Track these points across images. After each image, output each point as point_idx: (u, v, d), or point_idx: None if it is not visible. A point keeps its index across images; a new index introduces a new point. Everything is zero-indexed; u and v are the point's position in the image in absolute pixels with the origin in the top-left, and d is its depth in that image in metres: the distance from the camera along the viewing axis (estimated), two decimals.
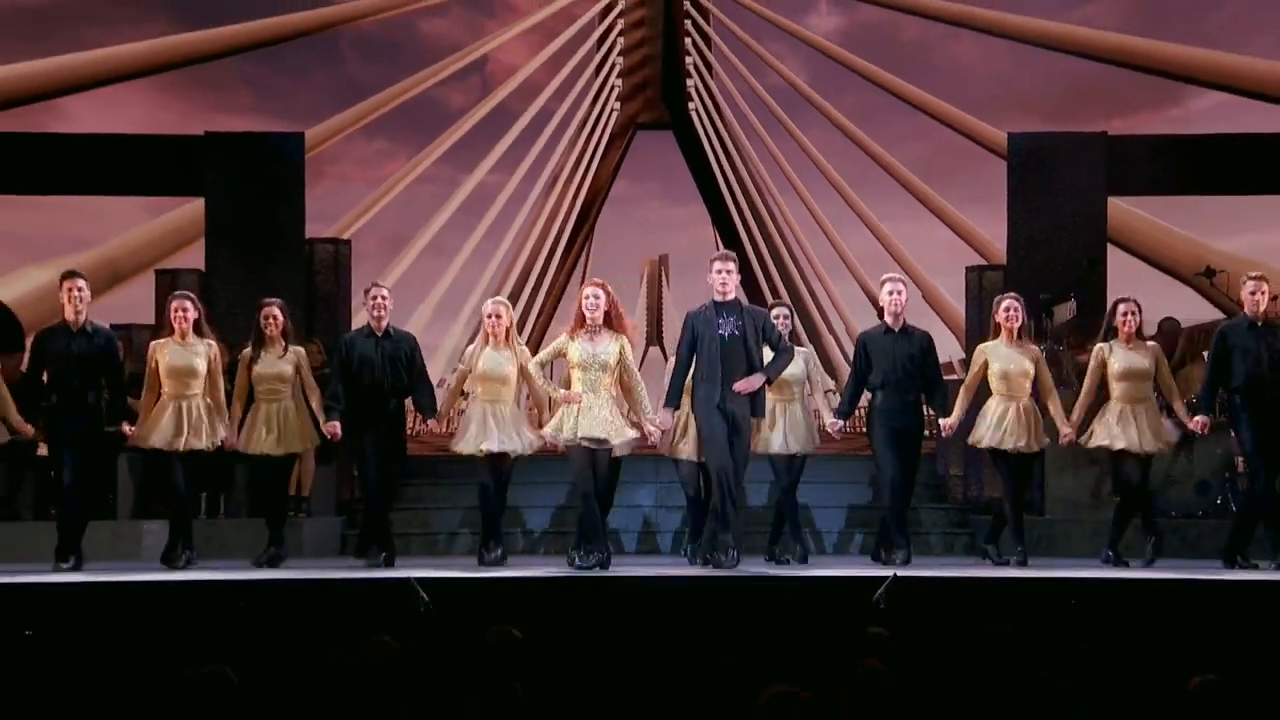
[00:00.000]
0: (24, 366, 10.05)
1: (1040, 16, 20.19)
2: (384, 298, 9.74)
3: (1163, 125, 16.77)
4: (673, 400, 9.06)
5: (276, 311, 9.62)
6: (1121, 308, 9.51)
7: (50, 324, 9.54)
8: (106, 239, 17.95)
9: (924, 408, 9.79)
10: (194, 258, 14.14)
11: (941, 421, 9.56)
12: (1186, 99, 17.56)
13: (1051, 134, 13.73)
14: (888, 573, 8.05)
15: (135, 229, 18.33)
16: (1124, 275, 14.33)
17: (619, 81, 27.08)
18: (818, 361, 10.49)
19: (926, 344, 9.59)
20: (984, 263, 16.44)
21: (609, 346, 8.94)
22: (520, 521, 11.61)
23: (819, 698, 4.55)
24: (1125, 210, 16.25)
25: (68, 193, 14.98)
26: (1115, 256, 14.16)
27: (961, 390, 9.74)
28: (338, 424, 9.47)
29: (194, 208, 14.40)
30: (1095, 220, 12.98)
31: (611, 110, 26.92)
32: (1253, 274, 9.53)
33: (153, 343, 9.62)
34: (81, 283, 9.30)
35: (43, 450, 11.42)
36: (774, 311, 9.60)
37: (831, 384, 10.70)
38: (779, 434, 9.67)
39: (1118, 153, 13.26)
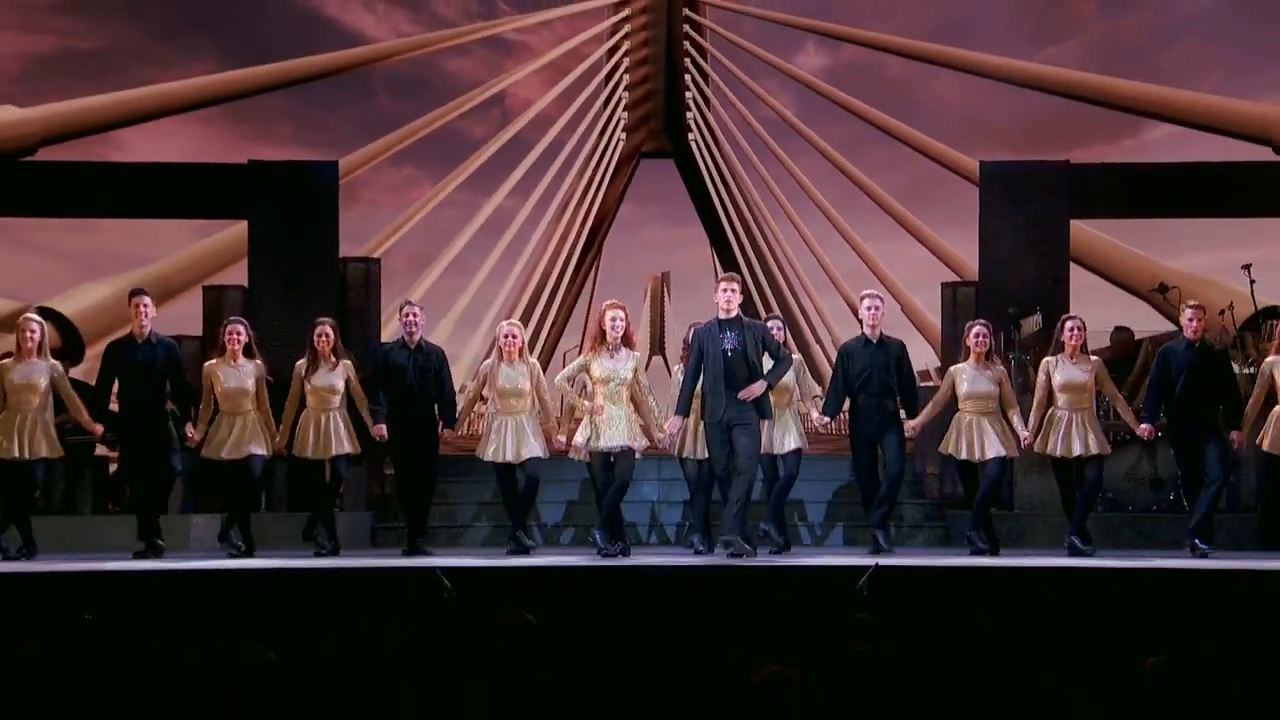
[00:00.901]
0: (81, 373, 10.17)
1: (1009, 57, 20.22)
2: (416, 315, 9.99)
3: (1119, 154, 16.79)
4: (682, 409, 9.20)
5: (329, 330, 9.77)
6: (1069, 325, 9.63)
7: (119, 336, 9.75)
8: (158, 258, 17.97)
9: (899, 410, 9.87)
10: (238, 275, 14.14)
11: (908, 423, 9.76)
12: (1141, 131, 17.57)
13: (1019, 162, 13.73)
14: (870, 562, 8.08)
15: (184, 249, 18.35)
16: (1085, 291, 14.36)
17: (625, 114, 27.11)
18: (806, 369, 10.62)
19: (900, 353, 9.82)
20: (958, 279, 16.42)
21: (627, 363, 9.26)
22: (537, 516, 11.64)
23: (808, 677, 4.56)
24: (1086, 232, 16.26)
25: (123, 216, 15.01)
26: (1077, 274, 14.16)
27: (932, 402, 9.93)
28: (384, 427, 9.70)
29: (238, 229, 14.40)
30: (1059, 241, 12.97)
31: (618, 140, 26.95)
32: (1191, 303, 9.81)
33: (207, 365, 9.77)
34: (148, 300, 9.54)
35: (100, 450, 11.49)
36: (769, 324, 9.67)
37: (818, 390, 10.74)
38: (774, 434, 9.81)
39: (1079, 179, 13.27)
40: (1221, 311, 12.62)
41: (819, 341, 24.79)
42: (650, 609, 7.28)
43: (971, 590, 7.93)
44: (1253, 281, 12.26)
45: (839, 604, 6.93)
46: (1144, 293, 15.32)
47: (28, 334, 9.26)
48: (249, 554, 9.55)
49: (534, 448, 9.60)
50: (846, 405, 10.04)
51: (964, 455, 9.59)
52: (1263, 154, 16.37)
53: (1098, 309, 13.96)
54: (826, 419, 9.88)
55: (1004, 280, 12.72)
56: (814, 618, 6.63)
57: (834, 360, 10.31)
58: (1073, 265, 13.60)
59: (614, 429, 9.20)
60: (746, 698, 4.56)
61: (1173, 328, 12.21)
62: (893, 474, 9.76)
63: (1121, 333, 12.47)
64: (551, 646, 5.56)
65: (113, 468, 11.74)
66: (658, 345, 28.32)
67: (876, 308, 9.80)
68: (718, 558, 9.08)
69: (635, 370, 9.33)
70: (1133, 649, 5.43)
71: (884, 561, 8.18)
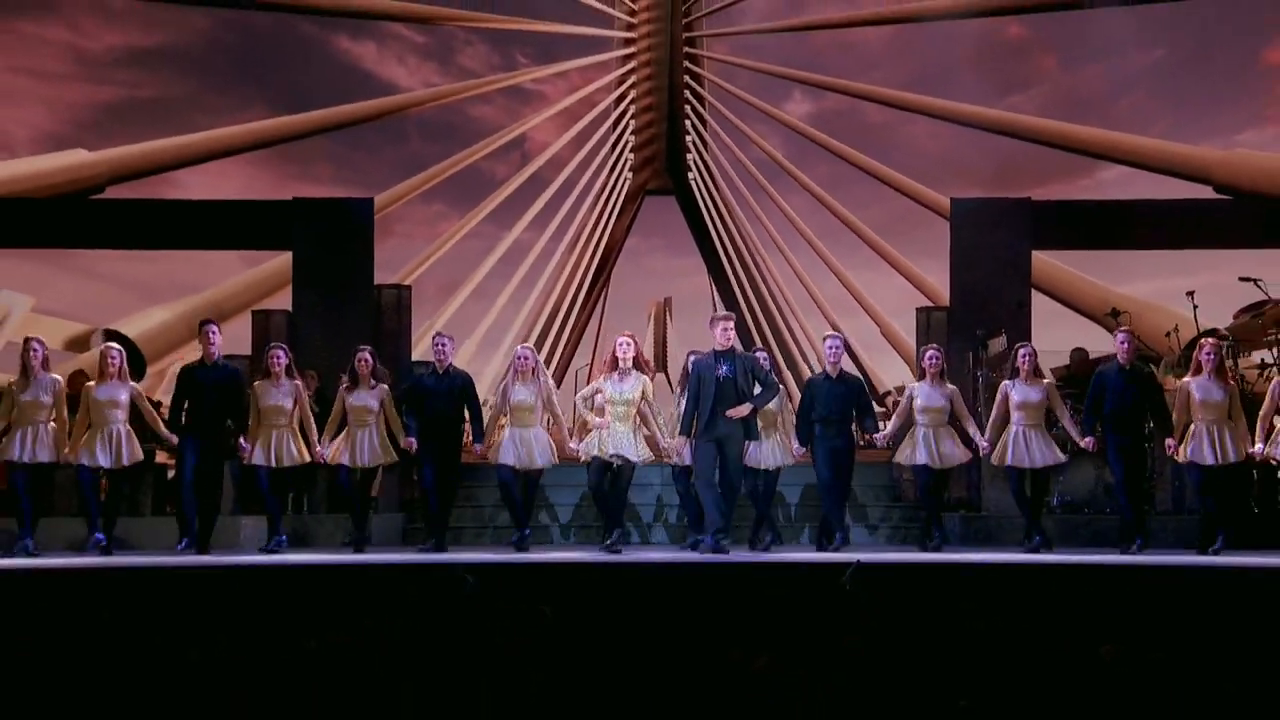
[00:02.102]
0: (159, 393, 10.34)
1: (978, 105, 20.27)
2: (445, 345, 10.20)
3: (1076, 193, 16.82)
4: (685, 430, 9.55)
5: (367, 356, 10.09)
6: (1021, 352, 9.92)
7: (191, 361, 10.12)
8: (211, 285, 18.03)
9: (854, 432, 10.17)
10: (283, 300, 14.19)
11: (875, 436, 10.17)
12: (1095, 171, 17.58)
13: (986, 199, 13.74)
14: (853, 558, 8.09)
15: (235, 277, 18.38)
16: (1045, 315, 14.37)
17: (631, 155, 27.14)
18: (787, 399, 10.89)
19: (858, 387, 10.16)
20: (931, 305, 16.40)
21: (634, 386, 9.74)
22: (554, 516, 11.70)
23: (800, 666, 4.56)
24: (1046, 262, 16.28)
25: (180, 248, 15.05)
26: (1038, 300, 14.17)
27: (895, 415, 10.39)
28: (414, 441, 9.93)
29: (283, 259, 14.45)
30: (1021, 270, 12.99)
31: (624, 179, 26.99)
32: (1121, 330, 10.05)
33: (255, 384, 10.06)
34: (215, 329, 9.94)
35: (161, 457, 11.54)
36: (757, 355, 10.05)
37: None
38: (761, 453, 10.20)
39: (1040, 215, 13.27)
40: (1168, 334, 12.65)
41: (806, 362, 24.78)
42: (653, 601, 7.30)
43: (944, 582, 7.97)
44: (1195, 306, 12.29)
45: (824, 596, 6.95)
46: (1098, 317, 15.35)
47: (109, 359, 9.70)
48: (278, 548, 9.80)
49: (539, 458, 9.93)
50: None
51: (921, 461, 9.90)
52: (1203, 192, 16.40)
53: (1057, 332, 13.99)
54: (802, 449, 10.09)
55: (973, 306, 12.74)
56: (804, 608, 6.65)
57: (802, 392, 10.49)
58: (1034, 292, 13.62)
59: (617, 441, 9.66)
60: (746, 687, 4.56)
61: (1148, 364, 12.26)
62: (824, 486, 10.04)
63: (1079, 353, 12.54)
64: (563, 634, 5.57)
65: (170, 474, 11.79)
66: (660, 364, 28.27)
67: (836, 348, 10.10)
68: (709, 555, 9.11)
69: (643, 392, 9.79)
70: (1090, 637, 5.43)
71: (864, 558, 8.20)
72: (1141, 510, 9.92)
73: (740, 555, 9.21)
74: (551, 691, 5.01)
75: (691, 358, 9.89)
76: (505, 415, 10.03)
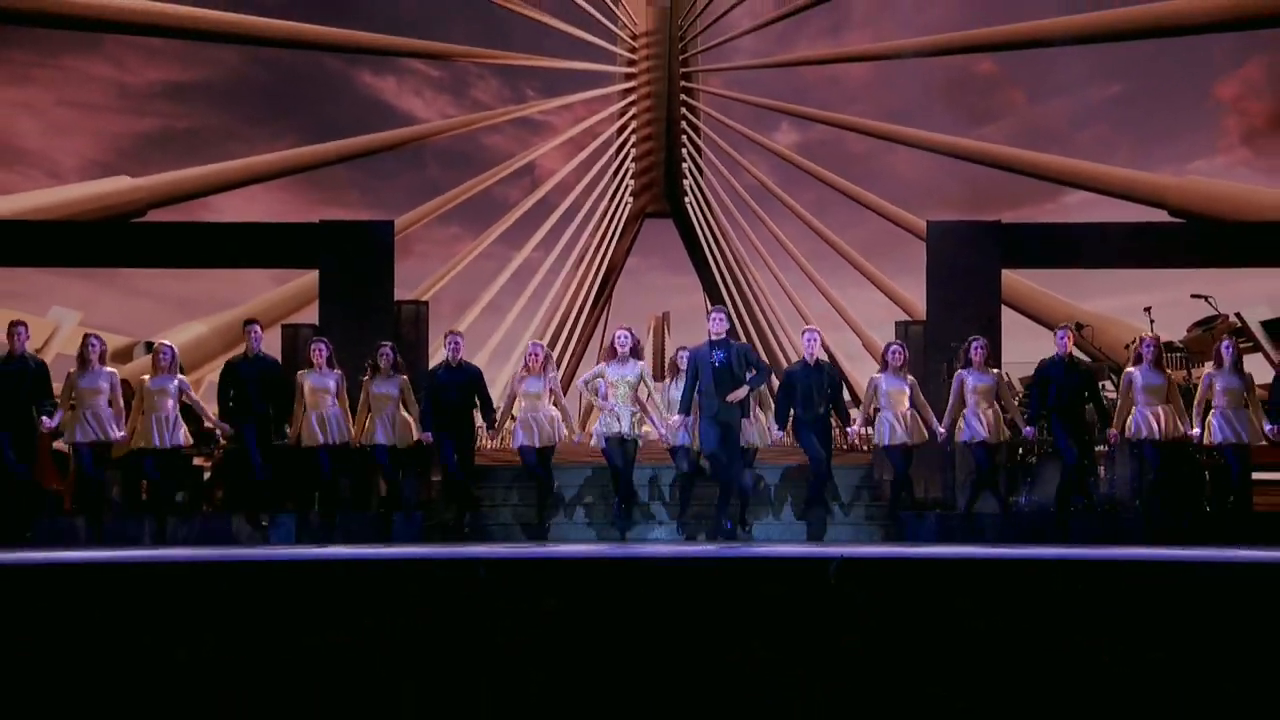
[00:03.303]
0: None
1: (952, 135, 20.36)
2: (457, 342, 10.60)
3: (1043, 215, 16.90)
4: (684, 409, 9.90)
5: (389, 350, 10.55)
6: (975, 344, 10.34)
7: (233, 356, 10.59)
8: (244, 301, 18.09)
9: (831, 423, 10.52)
10: (310, 315, 14.22)
11: (849, 430, 10.65)
12: (1060, 196, 17.68)
13: (959, 222, 13.77)
14: (837, 552, 8.13)
15: (265, 294, 18.43)
16: (1014, 329, 14.41)
17: (631, 181, 27.23)
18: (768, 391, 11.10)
19: (832, 372, 10.52)
20: (909, 319, 16.45)
21: (633, 370, 10.13)
22: (563, 497, 11.81)
23: (795, 657, 4.57)
24: (1015, 279, 16.33)
25: (216, 267, 15.08)
26: (1007, 314, 14.20)
27: (863, 405, 10.77)
28: (430, 434, 10.31)
29: (310, 277, 14.48)
30: (992, 287, 13.01)
31: (626, 203, 27.07)
32: (1060, 325, 10.45)
33: (299, 373, 10.44)
34: (258, 327, 10.47)
35: (198, 460, 11.58)
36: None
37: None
38: (745, 431, 10.40)
39: (1009, 236, 13.30)
40: (1127, 345, 12.68)
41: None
42: (655, 594, 7.33)
43: (923, 575, 8.00)
44: (1152, 321, 12.32)
45: (809, 587, 6.97)
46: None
47: (161, 355, 10.12)
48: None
49: (551, 434, 10.28)
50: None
51: (884, 441, 10.31)
52: (1159, 215, 16.47)
53: (1024, 343, 14.01)
54: (781, 434, 10.39)
55: (947, 319, 12.76)
56: (790, 599, 6.67)
57: (781, 379, 10.70)
58: (1004, 307, 13.67)
59: (624, 421, 10.07)
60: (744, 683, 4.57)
61: (1087, 359, 12.29)
62: (816, 463, 10.33)
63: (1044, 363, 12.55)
64: (570, 624, 5.59)
65: (206, 475, 11.83)
66: (660, 373, 28.31)
67: (813, 340, 10.42)
68: (715, 548, 9.15)
69: (642, 375, 10.16)
70: (1065, 631, 5.44)
71: (847, 552, 8.24)
72: (1085, 480, 10.12)
73: (734, 550, 9.22)
74: (556, 681, 5.03)
75: (681, 352, 10.29)
76: (519, 402, 10.41)
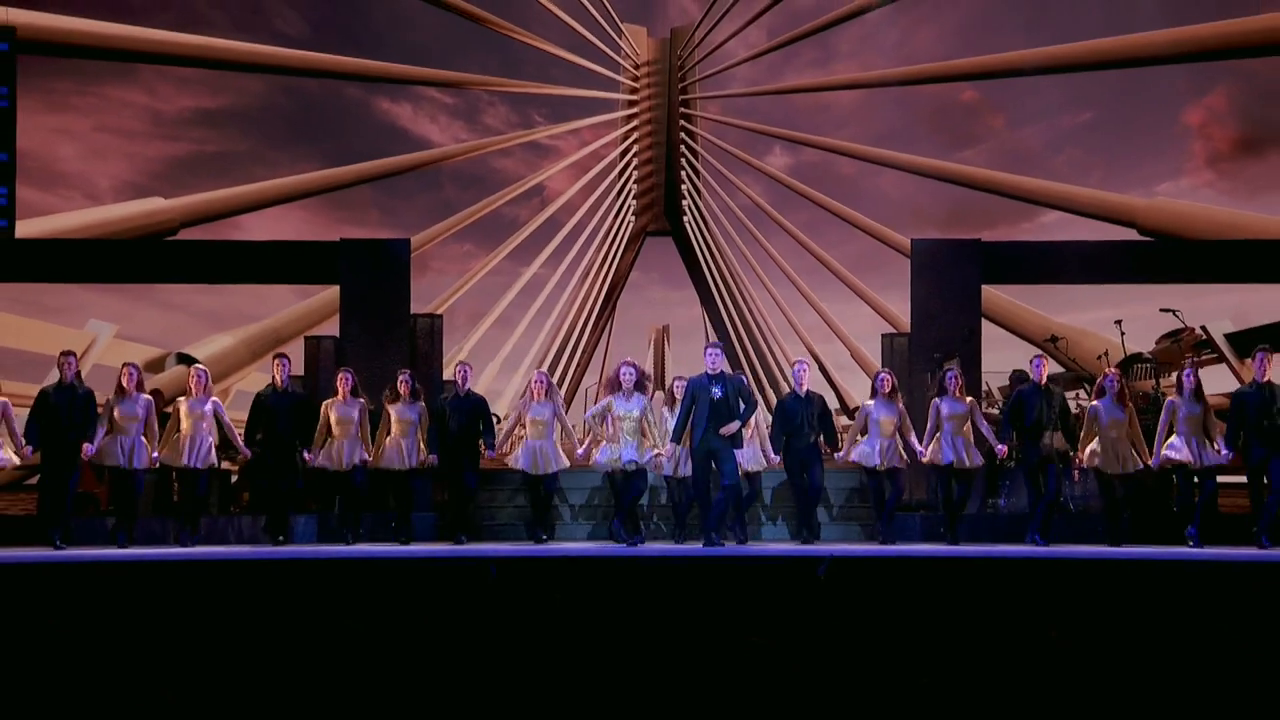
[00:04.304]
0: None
1: (935, 159, 20.38)
2: (465, 373, 10.68)
3: (1020, 234, 16.90)
4: (676, 438, 9.94)
5: (407, 378, 10.61)
6: (949, 375, 10.43)
7: (264, 389, 10.50)
8: (270, 314, 18.07)
9: (820, 442, 10.50)
10: (331, 327, 14.23)
11: (836, 455, 10.53)
12: (1037, 216, 17.68)
13: (941, 240, 13.79)
14: (828, 551, 8.15)
15: (289, 307, 18.44)
16: (993, 341, 14.43)
17: (634, 201, 27.26)
18: (765, 413, 11.11)
19: (821, 405, 10.54)
20: (894, 331, 16.44)
21: (637, 404, 10.05)
22: (560, 514, 11.76)
23: (781, 643, 4.59)
24: (994, 294, 16.32)
25: (243, 282, 15.11)
26: (987, 327, 14.18)
27: (850, 432, 10.77)
28: (436, 456, 10.41)
29: (332, 292, 14.51)
30: (972, 302, 13.03)
31: (628, 222, 27.10)
32: (1036, 354, 10.50)
33: (325, 402, 10.54)
34: (287, 361, 10.43)
35: (225, 464, 11.62)
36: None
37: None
38: (742, 457, 10.37)
39: (988, 254, 13.32)
40: (1099, 356, 12.72)
41: (785, 379, 24.82)
42: (655, 592, 7.33)
43: (903, 573, 8.01)
44: (1123, 333, 12.36)
45: (802, 585, 6.98)
46: (1039, 342, 15.39)
47: (194, 379, 10.17)
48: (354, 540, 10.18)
49: (552, 464, 10.27)
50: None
51: (874, 463, 10.31)
52: (1129, 234, 16.50)
53: (1003, 354, 14.02)
54: (776, 458, 10.48)
55: (930, 332, 12.78)
56: (783, 594, 6.68)
57: (774, 411, 10.75)
58: (984, 321, 13.67)
59: (628, 451, 9.98)
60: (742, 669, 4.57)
61: (1061, 370, 12.31)
62: (814, 491, 10.44)
63: (1019, 374, 12.53)
64: (576, 618, 5.60)
65: (233, 478, 11.86)
66: (659, 383, 28.33)
67: (803, 370, 10.56)
68: (699, 548, 9.16)
69: (645, 409, 10.11)
70: (1037, 620, 5.46)
71: (836, 551, 8.25)
72: (1052, 506, 10.12)
73: (729, 550, 9.24)
74: (564, 671, 5.04)
75: (679, 382, 10.40)
76: (522, 428, 10.41)
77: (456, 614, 5.66)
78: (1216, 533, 9.91)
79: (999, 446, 10.19)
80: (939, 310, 12.91)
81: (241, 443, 10.21)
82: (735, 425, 9.63)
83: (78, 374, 9.95)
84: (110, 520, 10.21)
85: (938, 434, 10.26)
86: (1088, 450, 10.06)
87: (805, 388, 10.51)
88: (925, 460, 10.37)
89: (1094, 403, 10.14)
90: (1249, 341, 14.51)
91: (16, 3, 15.38)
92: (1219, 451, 9.64)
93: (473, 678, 5.02)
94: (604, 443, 10.10)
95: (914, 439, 10.40)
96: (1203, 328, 14.20)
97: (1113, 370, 10.37)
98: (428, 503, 11.82)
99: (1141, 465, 9.95)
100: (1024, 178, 18.56)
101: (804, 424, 10.31)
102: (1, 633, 5.53)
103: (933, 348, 12.34)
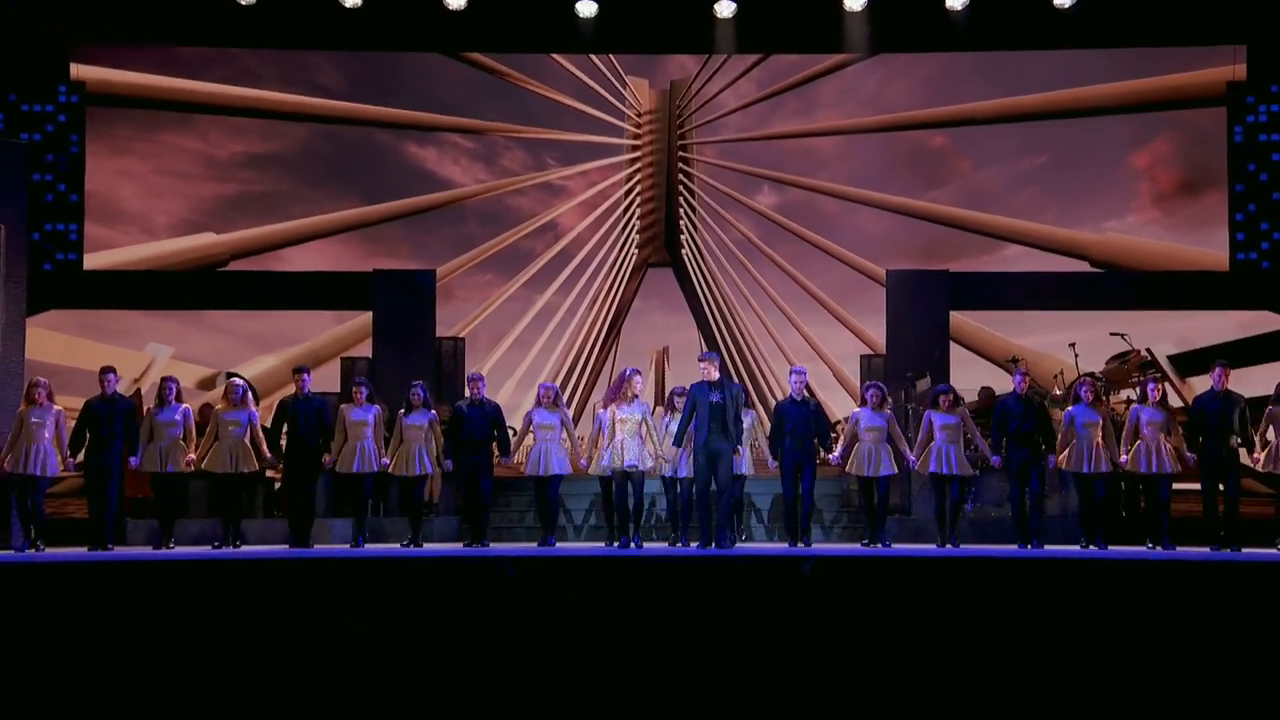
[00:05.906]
0: (268, 422, 10.61)
1: (907, 197, 20.41)
2: (479, 384, 10.70)
3: (984, 266, 17.00)
4: (678, 442, 9.88)
5: (419, 389, 10.58)
6: (940, 389, 10.50)
7: (287, 396, 10.51)
8: (310, 338, 18.06)
9: (816, 447, 10.40)
10: (364, 349, 14.34)
11: (829, 457, 10.45)
12: (1000, 250, 17.79)
13: (913, 271, 13.96)
14: (813, 552, 8.15)
15: (327, 331, 18.45)
16: (959, 362, 14.53)
17: (636, 235, 27.25)
18: (759, 421, 11.04)
19: (817, 410, 10.50)
20: (871, 352, 16.52)
21: (638, 408, 10.20)
22: (570, 518, 11.77)
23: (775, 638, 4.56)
24: (961, 319, 16.37)
25: (286, 309, 15.28)
26: (955, 349, 14.29)
27: (843, 438, 10.74)
28: (450, 462, 10.40)
29: (365, 318, 14.64)
30: (942, 326, 13.17)
31: (631, 254, 27.08)
32: (1021, 370, 10.62)
33: (341, 406, 10.44)
34: (309, 373, 10.48)
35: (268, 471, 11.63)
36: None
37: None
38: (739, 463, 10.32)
39: (956, 283, 13.48)
40: (1055, 375, 12.76)
41: (771, 394, 24.76)
42: (652, 590, 7.33)
43: (884, 573, 8.00)
44: (1076, 355, 12.41)
45: (789, 583, 6.98)
46: (1001, 362, 15.43)
47: (233, 389, 10.22)
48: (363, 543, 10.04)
49: (558, 467, 10.26)
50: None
51: (866, 472, 10.17)
52: (1082, 266, 16.64)
53: (969, 372, 14.08)
54: (774, 463, 10.38)
55: (904, 353, 12.89)
56: (774, 592, 6.67)
57: (772, 415, 10.66)
58: (951, 343, 13.73)
59: (630, 454, 9.99)
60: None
61: (1039, 393, 12.33)
62: (806, 495, 10.30)
63: (986, 390, 12.63)
64: (579, 617, 5.58)
65: (277, 484, 11.87)
66: (660, 398, 28.26)
67: (801, 378, 10.53)
68: (702, 550, 9.14)
69: (646, 414, 10.20)
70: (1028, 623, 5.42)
71: (820, 551, 8.26)
72: (1041, 514, 10.06)
73: (720, 551, 9.24)
74: (577, 665, 5.01)
75: (677, 391, 10.55)
76: (531, 435, 10.49)
77: (475, 612, 5.64)
78: (1176, 536, 9.89)
79: (994, 458, 10.13)
80: (911, 334, 13.03)
81: (267, 448, 10.14)
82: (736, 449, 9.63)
83: (115, 390, 9.94)
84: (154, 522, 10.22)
85: (930, 444, 10.18)
86: (1065, 455, 10.06)
87: (802, 393, 10.39)
88: (917, 469, 10.29)
89: (1070, 408, 10.19)
90: (1190, 362, 14.60)
91: (85, 60, 15.57)
92: (1181, 458, 9.65)
93: (491, 675, 5.00)
94: (606, 446, 10.09)
95: (904, 446, 10.35)
96: (1148, 350, 14.25)
97: (1086, 377, 10.45)
98: (450, 507, 11.84)
99: (1116, 464, 9.96)
100: (988, 215, 18.58)
101: (800, 428, 10.19)
102: (22, 627, 5.47)
103: (905, 368, 12.43)
